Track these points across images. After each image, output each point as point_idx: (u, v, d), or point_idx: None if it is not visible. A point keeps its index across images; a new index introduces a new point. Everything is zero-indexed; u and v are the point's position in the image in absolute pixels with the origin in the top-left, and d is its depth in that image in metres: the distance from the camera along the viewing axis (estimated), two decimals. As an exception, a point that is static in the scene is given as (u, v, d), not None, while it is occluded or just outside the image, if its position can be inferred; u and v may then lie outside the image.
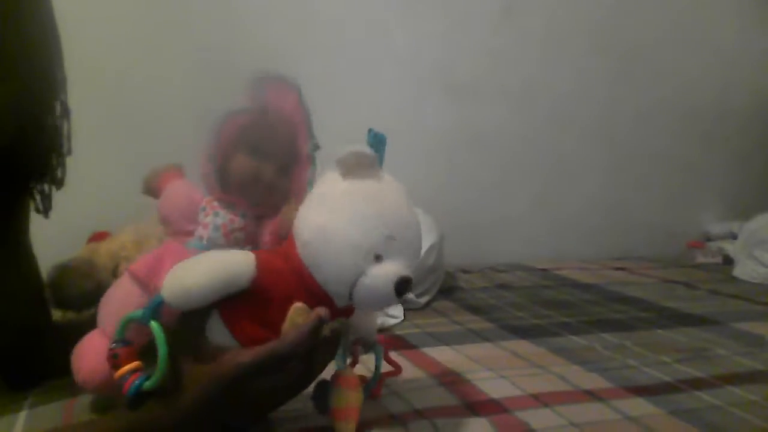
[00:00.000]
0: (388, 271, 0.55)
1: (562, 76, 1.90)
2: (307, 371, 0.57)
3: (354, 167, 0.58)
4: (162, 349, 0.53)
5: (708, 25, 2.06)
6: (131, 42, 1.44)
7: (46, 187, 0.74)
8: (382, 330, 1.06)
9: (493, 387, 0.79)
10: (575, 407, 0.74)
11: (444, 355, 0.93)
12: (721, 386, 0.83)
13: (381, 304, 0.59)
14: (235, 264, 0.56)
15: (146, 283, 0.64)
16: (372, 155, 0.59)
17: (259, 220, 0.69)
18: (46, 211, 0.75)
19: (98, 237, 1.09)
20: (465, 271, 1.60)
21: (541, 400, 0.75)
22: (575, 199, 1.96)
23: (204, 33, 1.51)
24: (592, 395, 0.78)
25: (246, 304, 0.56)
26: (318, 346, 0.56)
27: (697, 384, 0.83)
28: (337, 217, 0.56)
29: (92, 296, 0.99)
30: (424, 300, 1.25)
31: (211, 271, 0.55)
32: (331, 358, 0.61)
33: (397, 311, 1.14)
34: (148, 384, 0.54)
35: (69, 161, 0.75)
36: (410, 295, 1.21)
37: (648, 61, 2.01)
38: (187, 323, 0.57)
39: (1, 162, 0.65)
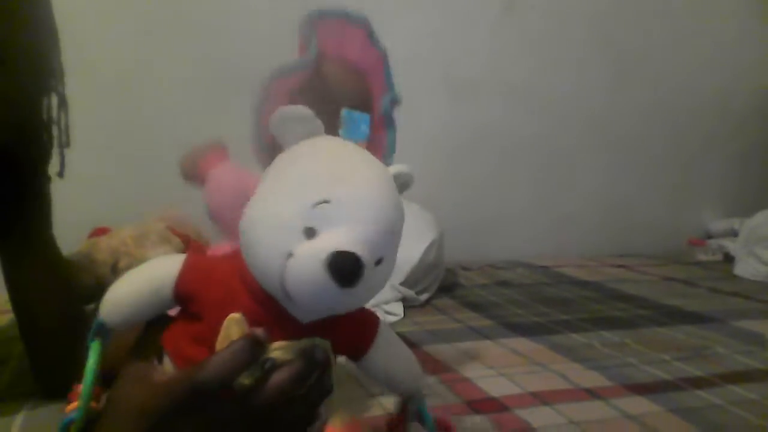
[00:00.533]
0: (317, 246, 0.39)
1: (562, 74, 1.89)
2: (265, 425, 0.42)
3: (285, 132, 0.45)
4: (87, 377, 0.45)
5: (708, 25, 2.05)
6: (132, 36, 1.44)
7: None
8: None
9: (493, 385, 0.79)
10: (575, 405, 0.74)
11: (444, 352, 0.93)
12: (720, 384, 0.83)
13: (317, 294, 0.40)
14: (158, 268, 0.46)
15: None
16: (303, 111, 0.45)
17: None
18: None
19: (99, 232, 1.09)
20: (465, 268, 1.60)
21: (540, 398, 0.76)
22: (575, 197, 1.96)
23: (203, 31, 1.50)
24: (591, 393, 0.78)
25: (181, 317, 0.47)
26: (282, 385, 0.41)
27: (696, 382, 0.84)
28: (260, 193, 0.43)
29: (92, 291, 0.99)
30: (424, 297, 1.25)
31: (134, 281, 0.46)
32: (314, 404, 0.45)
33: (397, 309, 1.14)
34: (75, 415, 0.45)
35: (69, 155, 0.75)
36: (410, 293, 1.21)
37: (648, 59, 2.00)
38: (138, 345, 0.49)
39: (3, 156, 0.64)
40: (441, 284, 1.35)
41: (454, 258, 1.55)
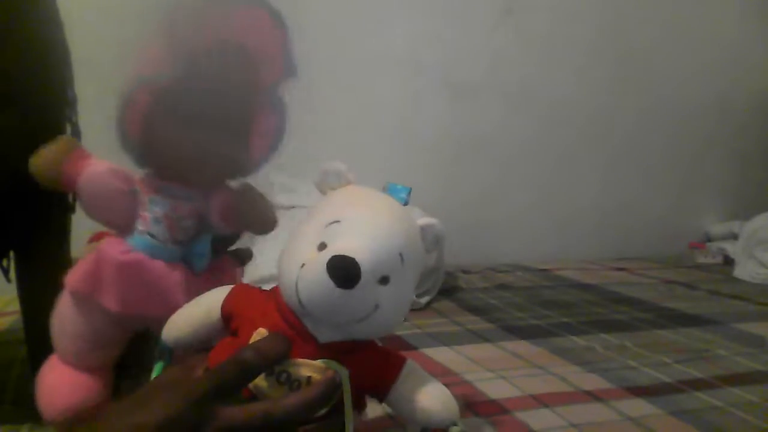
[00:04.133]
0: (323, 253, 0.44)
1: (563, 76, 1.90)
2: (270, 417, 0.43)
3: (324, 182, 0.51)
4: None
5: (708, 26, 2.06)
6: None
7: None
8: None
9: (493, 388, 0.79)
10: (575, 408, 0.74)
11: (444, 355, 0.93)
12: (721, 387, 0.83)
13: (320, 296, 0.43)
14: (212, 294, 0.51)
15: (87, 297, 0.55)
16: (339, 167, 0.51)
17: (207, 195, 0.57)
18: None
19: (100, 237, 1.09)
20: (465, 272, 1.60)
21: (541, 400, 0.75)
22: (575, 200, 1.96)
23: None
24: (592, 396, 0.78)
25: (225, 338, 0.50)
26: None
27: (697, 384, 0.83)
28: (296, 226, 0.49)
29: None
30: (424, 300, 1.25)
31: (191, 306, 0.51)
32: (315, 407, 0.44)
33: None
34: None
35: None
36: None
37: (648, 61, 2.01)
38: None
39: (16, 185, 0.64)
40: (441, 287, 1.35)
41: (455, 261, 1.55)
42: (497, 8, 1.79)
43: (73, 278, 0.56)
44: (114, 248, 0.55)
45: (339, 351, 0.46)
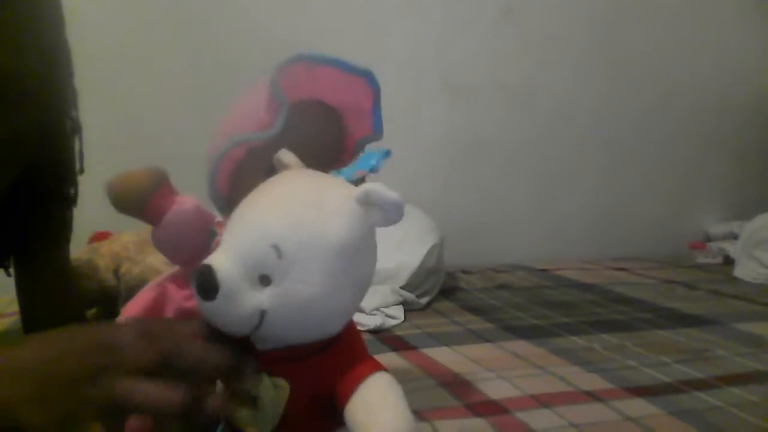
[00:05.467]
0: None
1: (562, 77, 1.90)
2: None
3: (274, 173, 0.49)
4: None
5: (707, 26, 2.06)
6: (131, 35, 1.44)
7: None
8: (381, 331, 1.06)
9: (493, 388, 0.79)
10: (575, 408, 0.74)
11: (444, 355, 0.93)
12: (721, 387, 0.83)
13: (202, 313, 0.42)
14: None
15: None
16: (281, 155, 0.49)
17: None
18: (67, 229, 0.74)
19: (99, 237, 1.10)
20: (465, 272, 1.61)
21: (541, 400, 0.76)
22: (575, 200, 1.96)
23: (203, 35, 1.51)
24: (592, 396, 0.78)
25: None
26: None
27: (697, 384, 0.84)
28: None
29: (94, 296, 0.99)
30: (424, 301, 1.25)
31: None
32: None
33: (397, 312, 1.14)
34: None
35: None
36: (411, 296, 1.21)
37: (647, 61, 2.00)
38: None
39: (22, 183, 0.64)
40: (441, 288, 1.35)
41: (455, 261, 1.55)
42: (497, 9, 1.79)
43: (132, 311, 0.56)
44: (178, 292, 0.56)
45: (284, 359, 0.44)
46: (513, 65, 1.84)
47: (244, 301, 0.40)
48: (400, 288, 1.20)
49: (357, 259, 0.43)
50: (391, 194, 0.41)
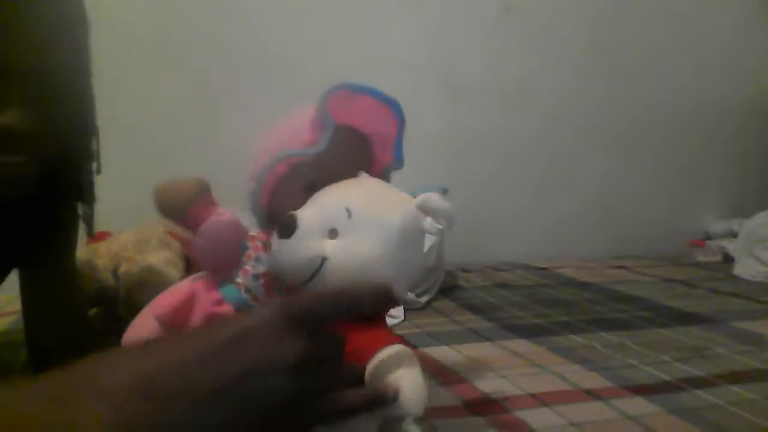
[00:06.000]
0: None
1: (561, 76, 1.90)
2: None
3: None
4: None
5: (707, 26, 2.06)
6: (129, 46, 1.44)
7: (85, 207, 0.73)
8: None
9: (493, 386, 0.79)
10: (575, 406, 0.74)
11: (444, 354, 0.93)
12: (720, 385, 0.83)
13: (273, 256, 0.53)
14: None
15: (170, 327, 0.58)
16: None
17: None
18: (89, 230, 0.74)
19: (98, 237, 1.09)
20: (465, 270, 1.61)
21: (540, 399, 0.76)
22: (575, 198, 1.96)
23: (204, 37, 1.51)
24: (591, 394, 0.78)
25: None
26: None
27: (696, 383, 0.84)
28: None
29: (95, 296, 0.99)
30: (424, 299, 1.25)
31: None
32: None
33: (397, 311, 1.14)
34: None
35: None
36: (411, 295, 1.21)
37: (647, 61, 2.00)
38: None
39: (47, 185, 0.64)
40: (441, 286, 1.35)
41: (454, 260, 1.55)
42: (496, 9, 1.79)
43: (161, 306, 0.59)
44: (208, 295, 0.59)
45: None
46: (512, 64, 1.84)
47: (312, 246, 0.49)
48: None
49: (408, 248, 0.53)
50: (446, 204, 0.53)
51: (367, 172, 0.61)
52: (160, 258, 1.03)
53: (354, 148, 0.62)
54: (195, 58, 1.51)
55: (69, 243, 0.75)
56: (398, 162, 0.65)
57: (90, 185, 0.71)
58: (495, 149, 1.84)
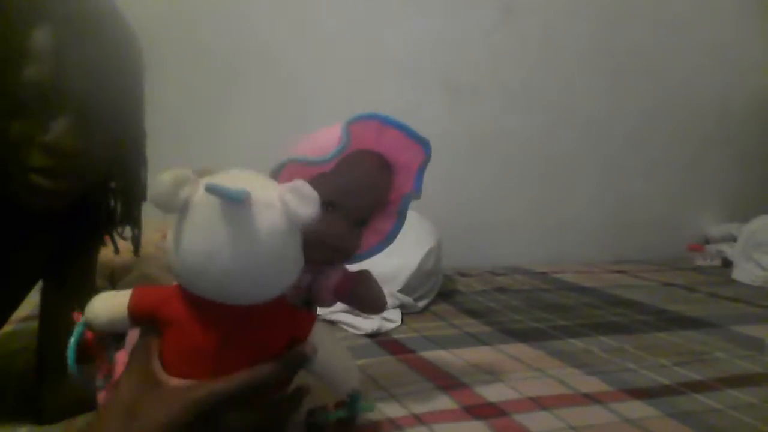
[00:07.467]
0: None
1: (561, 78, 1.90)
2: (273, 418, 0.53)
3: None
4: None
5: (707, 26, 2.06)
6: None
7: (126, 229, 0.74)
8: (379, 334, 1.05)
9: (492, 390, 0.79)
10: (574, 410, 0.74)
11: (442, 358, 0.93)
12: (719, 389, 0.83)
13: None
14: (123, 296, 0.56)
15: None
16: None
17: (318, 272, 0.65)
18: (136, 250, 0.75)
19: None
20: (463, 275, 1.60)
21: (539, 403, 0.75)
22: (574, 202, 1.96)
23: (204, 38, 1.51)
24: (590, 398, 0.78)
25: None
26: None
27: (695, 387, 0.83)
28: None
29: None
30: (422, 304, 1.25)
31: (114, 297, 0.55)
32: (294, 408, 0.55)
33: (395, 315, 1.14)
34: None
35: None
36: (409, 299, 1.21)
37: (647, 62, 2.01)
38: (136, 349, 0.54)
39: (83, 202, 0.65)
40: (439, 291, 1.34)
41: (453, 264, 1.55)
42: (496, 9, 1.80)
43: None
44: None
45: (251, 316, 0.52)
46: (513, 65, 1.84)
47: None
48: (398, 291, 1.20)
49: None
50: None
51: (386, 197, 0.66)
52: (158, 264, 1.03)
53: (376, 173, 0.65)
54: (195, 58, 1.51)
55: (91, 259, 0.77)
56: (416, 193, 0.68)
57: (138, 207, 0.73)
58: (494, 151, 1.84)
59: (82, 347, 0.56)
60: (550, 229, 1.93)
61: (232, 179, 0.50)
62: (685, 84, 2.06)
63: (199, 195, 0.49)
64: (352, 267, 0.70)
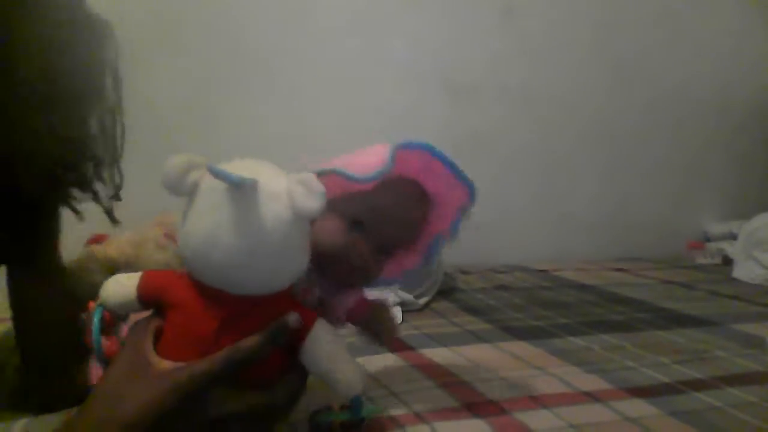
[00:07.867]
0: None
1: (562, 76, 1.90)
2: (269, 402, 0.52)
3: None
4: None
5: (707, 25, 2.06)
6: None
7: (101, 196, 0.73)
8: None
9: (492, 388, 0.79)
10: (574, 408, 0.74)
11: (442, 356, 0.93)
12: (720, 387, 0.83)
13: None
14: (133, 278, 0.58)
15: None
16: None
17: (335, 291, 0.64)
18: (112, 220, 0.75)
19: (96, 240, 1.09)
20: (464, 272, 1.60)
21: (539, 401, 0.75)
22: (574, 200, 1.96)
23: (204, 40, 1.51)
24: (590, 396, 0.78)
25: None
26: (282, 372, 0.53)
27: (696, 385, 0.83)
28: None
29: (89, 299, 0.99)
30: (422, 301, 1.25)
31: (128, 279, 0.57)
32: (301, 388, 0.55)
33: (395, 313, 1.14)
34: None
35: None
36: (409, 297, 1.21)
37: (647, 61, 2.00)
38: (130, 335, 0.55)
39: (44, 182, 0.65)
40: (440, 288, 1.35)
41: (453, 262, 1.55)
42: (497, 9, 1.79)
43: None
44: None
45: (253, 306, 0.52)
46: (513, 65, 1.84)
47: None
48: (398, 289, 1.20)
49: None
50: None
51: (416, 231, 0.64)
52: (158, 260, 1.03)
53: (412, 203, 0.64)
54: (195, 59, 1.51)
55: (52, 239, 0.75)
56: (452, 236, 0.67)
57: (90, 175, 0.72)
58: (495, 150, 1.83)
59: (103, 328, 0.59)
60: (551, 227, 1.93)
61: (242, 166, 0.50)
62: (685, 84, 2.05)
63: (206, 181, 0.49)
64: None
